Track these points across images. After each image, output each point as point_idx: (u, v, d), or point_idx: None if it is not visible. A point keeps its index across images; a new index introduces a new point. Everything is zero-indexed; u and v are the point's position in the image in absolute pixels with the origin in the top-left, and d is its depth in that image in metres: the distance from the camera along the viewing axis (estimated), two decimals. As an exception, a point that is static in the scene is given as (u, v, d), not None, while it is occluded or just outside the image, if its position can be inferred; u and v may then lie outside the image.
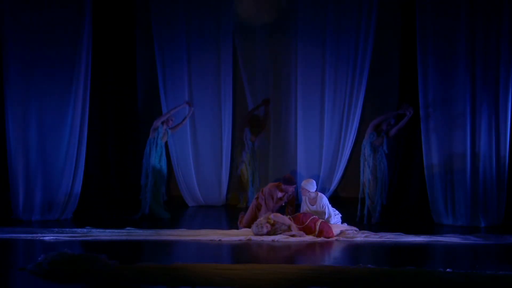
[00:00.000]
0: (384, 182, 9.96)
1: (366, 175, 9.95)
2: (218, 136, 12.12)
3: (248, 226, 9.21)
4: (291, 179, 9.54)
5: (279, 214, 8.94)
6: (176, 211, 11.67)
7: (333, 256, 7.98)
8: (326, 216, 9.11)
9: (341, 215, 9.35)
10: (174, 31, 11.92)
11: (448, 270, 6.42)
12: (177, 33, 11.92)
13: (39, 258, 6.67)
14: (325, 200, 9.29)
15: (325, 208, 9.18)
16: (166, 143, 11.15)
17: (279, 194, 9.43)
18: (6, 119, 10.14)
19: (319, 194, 9.33)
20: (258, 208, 9.47)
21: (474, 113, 9.85)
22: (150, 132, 10.69)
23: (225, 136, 12.09)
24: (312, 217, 8.83)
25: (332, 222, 9.02)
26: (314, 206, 9.22)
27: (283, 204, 9.54)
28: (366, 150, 9.97)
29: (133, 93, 12.33)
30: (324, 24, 11.85)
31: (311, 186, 9.24)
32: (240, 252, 8.14)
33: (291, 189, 9.39)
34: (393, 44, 12.32)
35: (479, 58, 9.78)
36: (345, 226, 9.10)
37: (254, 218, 9.31)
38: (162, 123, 10.72)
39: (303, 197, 9.33)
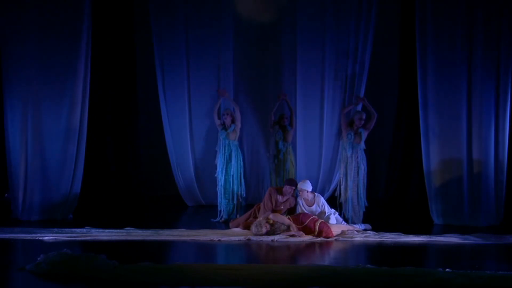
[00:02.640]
0: (364, 182, 9.73)
1: (350, 177, 9.70)
2: (217, 137, 12.10)
3: (238, 225, 9.33)
4: (292, 180, 9.59)
5: (278, 214, 8.95)
6: (176, 211, 11.68)
7: (333, 256, 7.98)
8: (327, 214, 9.10)
9: (337, 214, 9.33)
10: (173, 31, 11.92)
11: (447, 270, 6.41)
12: (177, 33, 11.92)
13: (39, 258, 6.67)
14: (323, 199, 9.31)
15: (324, 207, 9.19)
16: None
17: (279, 198, 9.41)
18: (5, 119, 10.15)
19: (316, 194, 9.38)
20: (257, 209, 9.51)
21: (471, 113, 9.85)
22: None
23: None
24: (311, 217, 8.83)
25: (331, 222, 9.02)
26: (312, 207, 9.21)
27: (284, 211, 9.49)
28: (347, 151, 9.71)
29: (133, 93, 12.33)
30: (324, 24, 11.86)
31: (308, 185, 9.28)
32: (239, 252, 8.14)
33: (289, 190, 9.36)
34: (393, 44, 12.33)
35: (479, 61, 9.79)
36: (345, 226, 9.10)
37: (249, 217, 9.38)
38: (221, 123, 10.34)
39: (299, 201, 9.32)
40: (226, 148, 10.15)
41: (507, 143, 9.88)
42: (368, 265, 6.71)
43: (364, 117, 9.74)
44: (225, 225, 9.78)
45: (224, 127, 10.21)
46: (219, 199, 10.21)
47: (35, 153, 10.03)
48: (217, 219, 10.14)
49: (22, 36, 9.93)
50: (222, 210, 10.16)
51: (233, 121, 10.20)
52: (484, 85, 9.79)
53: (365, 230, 9.14)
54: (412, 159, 11.80)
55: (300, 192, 9.24)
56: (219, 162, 10.17)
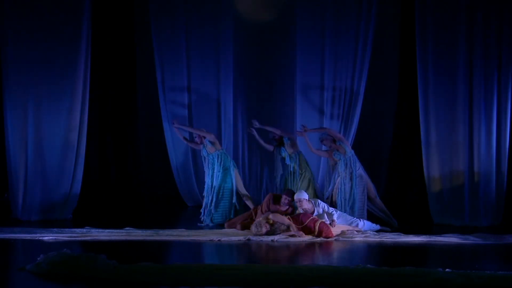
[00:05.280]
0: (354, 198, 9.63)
1: (343, 192, 9.64)
2: (217, 137, 12.08)
3: (234, 225, 9.33)
4: (290, 191, 9.52)
5: (278, 214, 8.94)
6: (176, 211, 11.68)
7: (333, 256, 7.97)
8: (330, 211, 9.05)
9: (340, 211, 9.31)
10: (173, 31, 11.93)
11: (447, 270, 6.41)
12: (177, 33, 11.95)
13: (39, 258, 6.67)
14: (321, 202, 9.27)
15: (325, 207, 9.16)
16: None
17: (272, 206, 9.36)
18: (5, 119, 10.15)
19: (313, 200, 9.28)
20: (254, 212, 9.51)
21: (472, 112, 9.85)
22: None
23: (225, 137, 12.08)
24: (311, 217, 8.82)
25: (335, 218, 8.96)
26: (314, 214, 9.15)
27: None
28: (339, 168, 9.68)
29: (133, 94, 12.35)
30: (323, 24, 11.85)
31: (305, 194, 9.22)
32: (239, 252, 8.14)
33: (286, 201, 9.33)
34: (393, 44, 12.33)
35: (479, 60, 9.80)
36: (346, 226, 9.08)
37: (246, 219, 9.39)
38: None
39: (300, 210, 9.16)
40: (211, 162, 10.06)
41: (508, 143, 9.87)
42: (368, 265, 6.70)
43: (324, 137, 9.88)
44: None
45: (203, 145, 10.18)
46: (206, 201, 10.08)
47: (35, 153, 10.03)
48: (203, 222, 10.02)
49: (22, 36, 9.93)
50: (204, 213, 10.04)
51: (204, 137, 10.16)
52: (485, 83, 9.78)
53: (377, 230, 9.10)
54: (412, 159, 11.80)
55: (299, 203, 9.12)
56: (207, 178, 10.08)
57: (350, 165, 9.63)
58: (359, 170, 9.66)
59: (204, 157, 10.19)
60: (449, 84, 9.92)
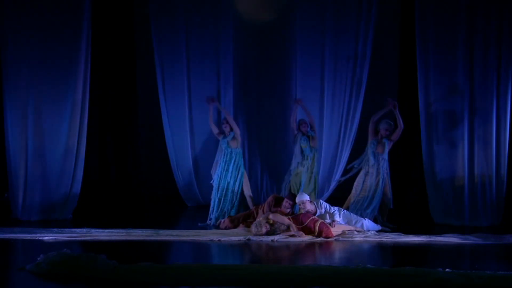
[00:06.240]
0: (381, 197, 9.68)
1: (367, 186, 9.69)
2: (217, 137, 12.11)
3: (234, 223, 9.32)
4: (293, 195, 9.47)
5: (278, 214, 8.94)
6: (176, 211, 11.68)
7: (333, 256, 7.97)
8: (332, 211, 9.06)
9: (344, 211, 9.31)
10: (173, 31, 11.92)
11: (447, 270, 6.41)
12: (177, 33, 11.93)
13: (39, 258, 6.67)
14: (323, 202, 9.28)
15: (327, 207, 9.16)
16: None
17: (273, 209, 9.33)
18: (5, 119, 10.14)
19: (315, 201, 9.29)
20: (256, 211, 9.50)
21: (472, 112, 9.86)
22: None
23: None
24: (311, 217, 8.82)
25: (336, 218, 8.96)
26: (316, 214, 9.15)
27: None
28: (369, 160, 9.74)
29: (133, 94, 12.33)
30: (323, 24, 11.86)
31: (306, 196, 9.24)
32: (239, 252, 8.14)
33: (288, 205, 9.31)
34: (393, 44, 12.33)
35: (479, 60, 9.80)
36: (347, 226, 9.07)
37: (248, 217, 9.38)
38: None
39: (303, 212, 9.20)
40: (228, 157, 10.09)
41: (508, 143, 9.87)
42: (368, 265, 6.70)
43: (390, 127, 9.72)
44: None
45: (224, 135, 10.18)
46: (213, 204, 10.06)
47: (35, 153, 10.02)
48: (207, 222, 9.98)
49: (22, 36, 9.92)
50: (212, 213, 10.01)
51: (231, 129, 10.14)
52: (485, 82, 9.79)
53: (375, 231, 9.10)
54: (412, 159, 11.79)
55: (302, 205, 9.12)
56: (219, 169, 10.07)
57: (379, 165, 9.68)
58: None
59: (222, 149, 10.13)
60: (450, 83, 9.92)
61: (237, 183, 10.06)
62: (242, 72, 12.35)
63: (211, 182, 10.24)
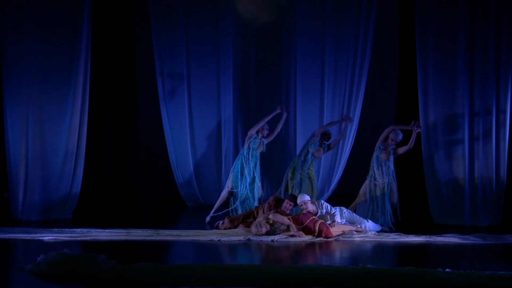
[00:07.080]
0: (383, 202, 9.72)
1: (370, 190, 9.74)
2: (217, 137, 12.11)
3: (234, 222, 9.32)
4: (293, 196, 9.47)
5: (278, 214, 8.94)
6: (176, 211, 11.68)
7: (333, 256, 7.97)
8: (333, 212, 9.05)
9: (346, 210, 9.31)
10: (173, 31, 11.92)
11: (447, 270, 6.41)
12: (177, 33, 11.93)
13: (38, 258, 6.66)
14: (324, 202, 9.29)
15: (328, 208, 9.16)
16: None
17: (274, 210, 9.34)
18: (5, 119, 10.14)
19: (316, 202, 9.30)
20: (256, 212, 9.50)
21: (472, 111, 9.85)
22: (244, 142, 10.33)
23: (225, 138, 12.08)
24: (311, 217, 8.82)
25: (336, 218, 8.97)
26: (318, 215, 9.14)
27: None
28: (374, 163, 9.78)
29: (133, 94, 12.32)
30: (323, 24, 11.86)
31: (307, 196, 9.25)
32: (239, 252, 8.14)
33: (289, 206, 9.30)
34: (393, 43, 12.32)
35: (480, 59, 9.80)
36: (346, 226, 9.07)
37: (248, 217, 9.38)
38: (257, 132, 10.20)
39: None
40: (252, 158, 10.13)
41: (508, 143, 9.87)
42: (368, 265, 6.71)
43: (397, 139, 9.71)
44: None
45: (257, 136, 10.19)
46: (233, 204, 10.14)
47: (35, 153, 10.02)
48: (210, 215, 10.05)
49: (22, 36, 9.91)
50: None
51: (266, 136, 10.26)
52: (485, 82, 9.79)
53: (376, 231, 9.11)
54: (412, 159, 11.78)
55: (304, 205, 9.12)
56: (238, 168, 10.12)
57: (383, 171, 9.74)
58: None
59: (253, 150, 10.15)
60: (449, 83, 9.92)
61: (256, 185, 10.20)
62: (242, 71, 12.35)
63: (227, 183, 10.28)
